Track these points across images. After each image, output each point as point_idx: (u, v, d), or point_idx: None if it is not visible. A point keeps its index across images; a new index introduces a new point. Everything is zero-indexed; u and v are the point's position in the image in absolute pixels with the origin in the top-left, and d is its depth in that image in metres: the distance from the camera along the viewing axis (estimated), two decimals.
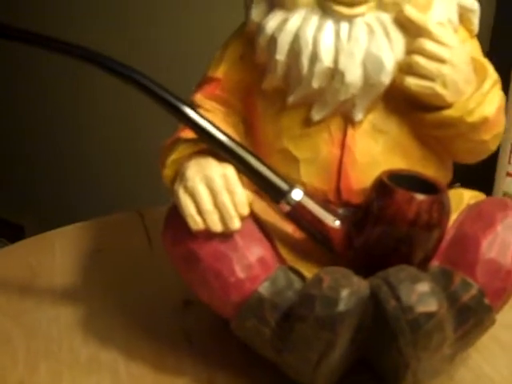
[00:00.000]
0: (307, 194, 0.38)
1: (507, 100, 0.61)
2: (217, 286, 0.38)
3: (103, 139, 1.08)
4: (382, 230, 0.36)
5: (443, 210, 0.36)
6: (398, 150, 0.40)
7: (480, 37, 0.42)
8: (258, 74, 0.41)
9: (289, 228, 0.41)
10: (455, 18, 0.40)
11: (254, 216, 0.40)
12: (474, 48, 0.41)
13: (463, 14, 0.41)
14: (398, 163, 0.40)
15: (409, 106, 0.39)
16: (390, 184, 0.36)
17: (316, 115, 0.39)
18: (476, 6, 0.41)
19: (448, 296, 0.37)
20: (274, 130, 0.41)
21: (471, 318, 0.37)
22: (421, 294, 0.34)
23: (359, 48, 0.37)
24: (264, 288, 0.37)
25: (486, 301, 0.37)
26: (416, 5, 0.38)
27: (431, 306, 0.34)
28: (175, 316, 0.47)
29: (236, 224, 0.37)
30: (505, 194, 0.68)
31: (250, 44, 0.41)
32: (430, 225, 0.36)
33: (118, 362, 0.42)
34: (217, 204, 0.37)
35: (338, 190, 0.40)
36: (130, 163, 1.06)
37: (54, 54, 0.38)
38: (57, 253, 0.55)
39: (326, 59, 0.38)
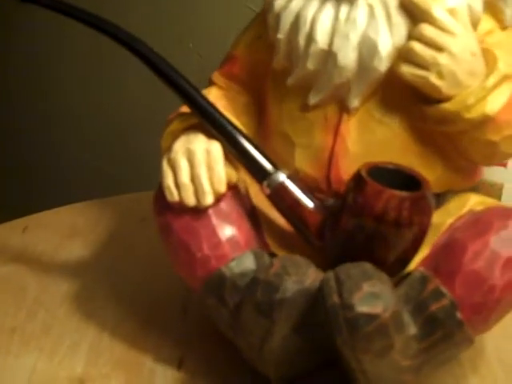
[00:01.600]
0: (291, 178, 0.37)
1: None
2: (185, 259, 0.38)
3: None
4: (353, 223, 0.35)
5: (417, 209, 0.34)
6: (397, 143, 0.37)
7: None
8: (272, 54, 0.40)
9: (276, 214, 0.40)
10: (478, 5, 0.36)
11: (246, 198, 0.40)
12: (502, 40, 0.38)
13: (492, 2, 0.37)
14: (395, 157, 0.37)
15: (410, 96, 0.36)
16: (364, 175, 0.34)
17: (312, 99, 0.38)
18: None
19: (416, 303, 0.34)
20: (278, 112, 0.41)
21: (438, 331, 0.34)
22: (366, 294, 0.31)
23: (356, 30, 0.35)
24: (228, 268, 0.37)
25: (459, 314, 0.34)
26: None
27: (374, 307, 0.31)
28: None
29: (208, 200, 0.37)
30: None
31: (266, 23, 0.41)
32: (399, 223, 0.33)
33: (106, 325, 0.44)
34: (193, 178, 0.37)
35: (328, 179, 0.39)
36: None
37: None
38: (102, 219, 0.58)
39: (321, 40, 0.36)
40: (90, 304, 0.46)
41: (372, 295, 0.31)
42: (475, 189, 0.41)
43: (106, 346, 0.42)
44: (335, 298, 0.32)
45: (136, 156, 0.89)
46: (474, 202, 0.38)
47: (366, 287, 0.32)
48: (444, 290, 0.34)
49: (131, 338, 0.43)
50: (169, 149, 0.39)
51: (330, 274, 0.33)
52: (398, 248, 0.35)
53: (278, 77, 0.40)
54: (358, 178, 0.35)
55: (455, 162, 0.38)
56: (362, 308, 0.31)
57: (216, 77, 0.44)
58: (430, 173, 0.38)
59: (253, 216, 0.40)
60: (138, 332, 0.43)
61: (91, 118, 0.90)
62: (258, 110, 0.43)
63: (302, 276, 0.33)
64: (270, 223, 0.40)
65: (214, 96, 0.42)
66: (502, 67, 0.35)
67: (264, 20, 0.41)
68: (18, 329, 0.44)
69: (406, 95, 0.36)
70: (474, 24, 0.37)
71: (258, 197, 0.40)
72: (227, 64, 0.44)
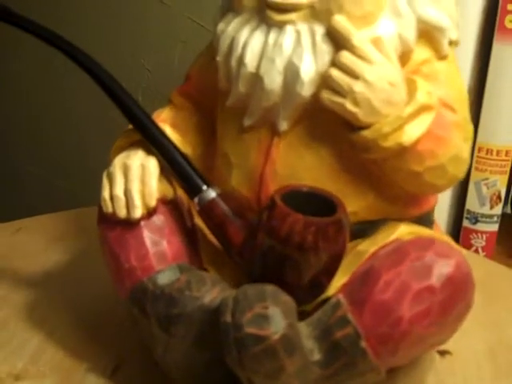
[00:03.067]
0: (222, 196, 0.38)
1: None
2: (115, 269, 0.39)
3: None
4: (267, 243, 0.35)
5: (323, 235, 0.34)
6: (324, 167, 0.38)
7: None
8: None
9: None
10: (410, 34, 0.36)
11: (189, 216, 0.41)
12: (436, 69, 0.37)
13: (429, 32, 0.37)
14: (323, 182, 0.37)
15: (338, 123, 0.37)
16: (275, 197, 0.35)
17: (246, 121, 0.39)
18: (444, 24, 0.37)
19: (323, 329, 0.34)
20: (221, 132, 0.42)
21: (342, 358, 0.34)
22: (257, 315, 0.32)
23: (281, 55, 0.36)
24: (150, 280, 0.38)
25: (362, 344, 0.34)
26: (351, 16, 0.35)
27: (264, 329, 0.32)
28: None
29: (137, 213, 0.38)
30: None
31: None
32: (303, 247, 0.34)
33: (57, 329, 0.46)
34: (125, 191, 0.39)
35: (259, 200, 0.39)
36: None
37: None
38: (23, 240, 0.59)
39: (250, 64, 0.37)
40: (47, 308, 0.48)
41: (262, 317, 0.32)
42: (423, 220, 0.41)
43: (50, 350, 0.44)
44: (228, 317, 0.32)
45: None
46: (403, 231, 0.38)
47: (258, 308, 0.32)
48: (350, 317, 0.34)
49: (75, 345, 0.44)
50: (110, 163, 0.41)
51: (231, 293, 0.34)
52: (308, 272, 0.35)
53: (223, 98, 0.41)
54: (270, 200, 0.35)
55: (388, 190, 0.38)
56: (250, 329, 0.32)
57: (173, 95, 0.45)
58: (361, 200, 0.38)
59: (192, 233, 0.41)
60: (83, 341, 0.44)
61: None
62: (211, 131, 0.44)
63: (203, 293, 0.34)
64: (206, 241, 0.41)
65: (166, 114, 0.44)
66: (421, 97, 0.35)
67: None
68: None
69: (334, 121, 0.37)
70: (406, 54, 0.37)
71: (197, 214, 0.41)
72: (185, 84, 0.45)
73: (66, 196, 0.91)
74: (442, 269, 0.34)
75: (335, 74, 0.35)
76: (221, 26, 0.39)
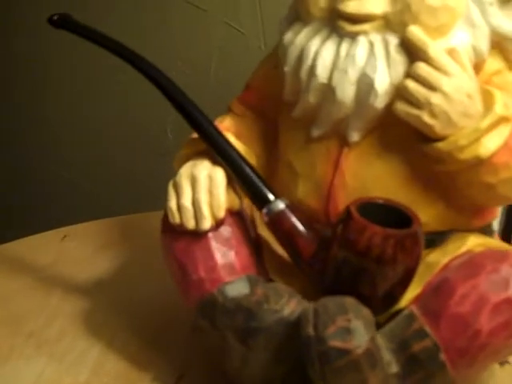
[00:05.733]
0: (290, 207, 0.38)
1: None
2: (181, 279, 0.39)
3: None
4: (341, 255, 0.35)
5: (401, 247, 0.34)
6: (394, 178, 0.38)
7: None
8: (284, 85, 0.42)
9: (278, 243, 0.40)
10: (484, 45, 0.36)
11: (253, 226, 0.41)
12: (507, 80, 0.37)
13: (500, 43, 0.37)
14: (392, 193, 0.37)
15: (410, 133, 0.36)
16: (352, 209, 0.35)
17: (314, 131, 0.39)
18: None
19: (400, 342, 0.34)
20: (285, 142, 0.42)
21: (420, 371, 0.34)
22: (340, 329, 0.32)
23: (354, 66, 0.36)
24: (220, 292, 0.38)
25: (442, 356, 0.34)
26: (426, 27, 0.35)
27: (347, 342, 0.32)
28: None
29: (206, 224, 0.38)
30: None
31: None
32: (382, 260, 0.33)
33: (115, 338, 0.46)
34: (193, 202, 0.39)
35: (326, 211, 0.39)
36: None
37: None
38: (69, 247, 0.59)
39: (321, 75, 0.37)
40: (103, 316, 0.48)
41: (346, 330, 0.32)
42: (486, 231, 0.41)
43: (112, 359, 0.44)
44: (310, 330, 0.32)
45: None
46: (473, 243, 0.38)
47: (340, 322, 0.32)
48: (428, 330, 0.34)
49: (136, 353, 0.44)
50: (177, 173, 0.41)
51: (310, 306, 0.33)
52: (384, 284, 0.35)
53: (287, 108, 0.41)
54: (346, 212, 0.35)
55: (457, 201, 0.38)
56: (333, 342, 0.32)
57: (234, 104, 0.45)
58: (431, 210, 0.38)
59: (256, 244, 0.41)
60: (144, 348, 0.45)
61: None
62: (273, 139, 0.44)
63: (281, 305, 0.34)
64: (271, 251, 0.41)
65: (229, 122, 0.44)
66: (499, 109, 0.34)
67: None
68: (35, 333, 0.46)
69: (407, 132, 0.36)
70: (479, 64, 0.37)
71: (263, 225, 0.41)
72: (244, 92, 0.45)
73: (105, 203, 0.91)
74: None
75: (412, 85, 0.34)
76: (288, 35, 0.39)
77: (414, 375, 0.34)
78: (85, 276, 0.54)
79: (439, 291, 0.35)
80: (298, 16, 0.40)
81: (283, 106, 0.42)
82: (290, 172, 0.41)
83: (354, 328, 0.32)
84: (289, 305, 0.34)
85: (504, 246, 0.39)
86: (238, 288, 0.38)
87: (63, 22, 0.42)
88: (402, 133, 0.37)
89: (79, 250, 0.58)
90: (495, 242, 0.39)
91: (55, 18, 0.42)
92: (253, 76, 0.45)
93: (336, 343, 0.32)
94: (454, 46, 0.35)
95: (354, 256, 0.34)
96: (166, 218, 0.41)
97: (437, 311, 0.34)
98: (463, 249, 0.37)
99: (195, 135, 0.42)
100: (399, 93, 0.35)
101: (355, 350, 0.32)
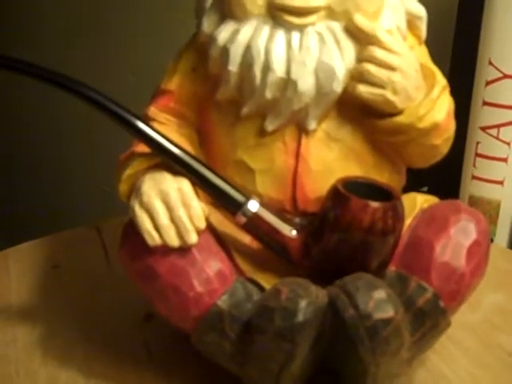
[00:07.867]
0: (263, 204, 0.39)
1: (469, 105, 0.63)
2: (176, 301, 0.37)
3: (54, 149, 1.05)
4: (338, 238, 0.37)
5: (397, 216, 0.37)
6: (352, 156, 0.40)
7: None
8: (211, 86, 0.41)
9: (246, 239, 0.40)
10: (404, 24, 0.40)
11: (211, 228, 0.40)
12: (422, 54, 0.42)
13: (411, 21, 0.42)
14: (352, 170, 0.40)
15: (361, 113, 0.39)
16: (345, 192, 0.37)
17: (270, 125, 0.40)
18: (423, 13, 0.42)
19: (404, 301, 0.37)
20: (229, 141, 0.41)
21: (427, 322, 0.37)
22: (378, 301, 0.34)
23: (311, 57, 0.37)
24: (222, 301, 0.37)
25: (441, 304, 0.38)
26: (365, 13, 0.38)
27: (388, 312, 0.34)
28: (135, 330, 0.46)
29: (193, 238, 0.37)
30: (471, 197, 0.69)
31: (202, 55, 0.41)
32: (385, 231, 0.36)
33: (77, 381, 0.41)
34: (173, 219, 0.37)
35: (293, 200, 0.40)
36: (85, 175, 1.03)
37: None
38: (12, 271, 0.54)
39: (279, 69, 0.38)
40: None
41: (382, 301, 0.34)
42: None
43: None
44: (351, 311, 0.34)
45: None
46: (421, 200, 0.42)
47: (376, 295, 0.34)
48: (425, 284, 0.38)
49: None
50: (135, 192, 0.38)
51: (337, 289, 0.35)
52: (381, 254, 0.38)
53: (223, 107, 0.41)
54: (337, 195, 0.37)
55: (397, 166, 0.42)
56: (378, 315, 0.34)
57: (153, 112, 0.43)
58: (383, 179, 0.41)
59: (221, 244, 0.41)
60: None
61: None
62: (201, 141, 0.43)
63: (311, 296, 0.34)
64: (240, 249, 0.41)
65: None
66: (441, 79, 0.39)
67: (198, 53, 0.42)
68: None
69: (357, 111, 0.39)
70: None
71: (223, 224, 0.41)
72: (162, 99, 0.43)
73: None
74: (478, 224, 0.40)
75: (372, 68, 0.37)
76: (223, 35, 0.39)
77: (421, 327, 0.37)
78: None
79: (417, 249, 0.39)
80: (224, 15, 0.40)
81: (216, 107, 0.41)
82: (242, 170, 0.41)
83: (387, 298, 0.34)
84: (317, 293, 0.35)
85: (432, 197, 0.44)
86: (236, 294, 0.37)
87: None
88: (352, 113, 0.40)
89: None
90: (426, 196, 0.44)
91: None
92: (166, 81, 0.44)
93: (380, 315, 0.34)
94: (389, 27, 0.39)
95: (357, 234, 0.36)
96: (129, 245, 0.38)
97: (424, 266, 0.38)
98: (417, 207, 0.42)
99: (136, 151, 0.39)
100: (358, 76, 0.38)
101: (396, 317, 0.34)
